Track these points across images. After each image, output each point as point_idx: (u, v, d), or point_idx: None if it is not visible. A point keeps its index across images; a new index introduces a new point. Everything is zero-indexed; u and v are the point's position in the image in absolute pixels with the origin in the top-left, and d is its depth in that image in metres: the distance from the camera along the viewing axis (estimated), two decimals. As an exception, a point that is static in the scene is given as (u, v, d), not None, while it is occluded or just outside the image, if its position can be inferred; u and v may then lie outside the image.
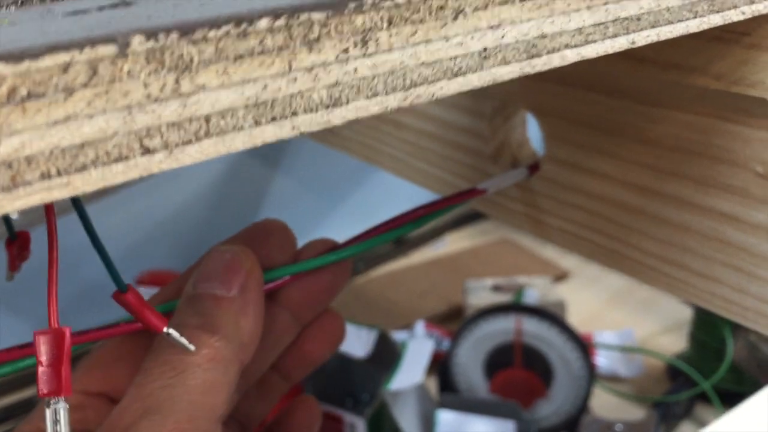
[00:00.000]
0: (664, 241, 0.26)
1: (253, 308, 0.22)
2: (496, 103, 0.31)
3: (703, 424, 0.53)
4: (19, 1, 0.14)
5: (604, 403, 0.54)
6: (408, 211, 0.26)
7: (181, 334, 0.19)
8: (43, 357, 0.15)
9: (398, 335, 0.59)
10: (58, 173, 0.11)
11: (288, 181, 0.77)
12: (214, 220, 0.74)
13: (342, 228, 0.81)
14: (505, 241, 0.79)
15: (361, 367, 0.50)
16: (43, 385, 0.15)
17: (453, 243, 0.80)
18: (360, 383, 0.50)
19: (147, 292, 0.21)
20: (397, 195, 0.79)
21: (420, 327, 0.62)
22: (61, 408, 0.15)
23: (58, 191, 0.12)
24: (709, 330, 0.53)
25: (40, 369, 0.15)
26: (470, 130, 0.32)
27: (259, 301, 0.22)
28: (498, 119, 0.31)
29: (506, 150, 0.31)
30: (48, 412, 0.16)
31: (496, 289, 0.62)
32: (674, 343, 0.60)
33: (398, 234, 0.26)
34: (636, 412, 0.53)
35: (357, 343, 0.52)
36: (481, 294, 0.62)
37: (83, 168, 0.12)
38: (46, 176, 0.11)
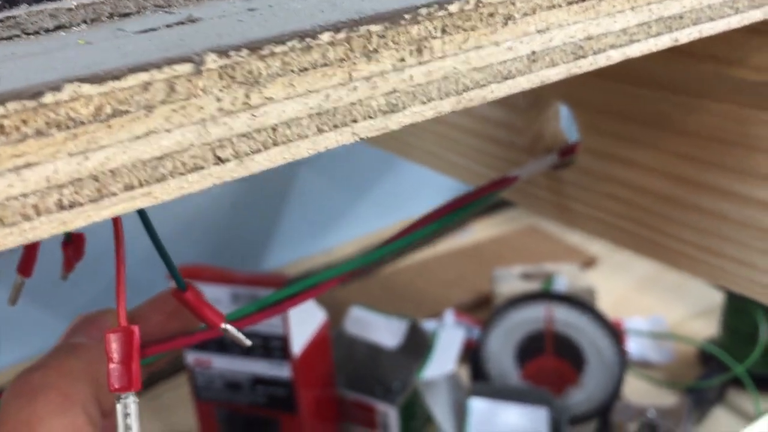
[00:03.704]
0: (701, 230, 0.26)
1: None
2: (530, 96, 0.31)
3: (736, 409, 0.53)
4: (90, 19, 0.15)
5: (636, 390, 0.54)
6: (446, 203, 0.27)
7: (31, 382, 0.19)
8: (114, 354, 0.16)
9: (427, 324, 0.60)
10: (140, 184, 0.12)
11: (313, 174, 0.78)
12: (242, 214, 0.75)
13: (367, 220, 0.82)
14: (531, 229, 0.79)
15: (392, 356, 0.51)
16: (114, 381, 0.16)
17: (478, 231, 0.80)
18: (391, 372, 0.51)
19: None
20: (422, 187, 0.79)
21: (449, 316, 0.62)
22: (131, 402, 0.16)
23: (141, 201, 0.12)
24: (741, 315, 0.53)
25: (111, 365, 0.16)
26: (505, 123, 0.32)
27: None
28: (532, 111, 0.31)
29: (540, 141, 0.32)
30: (119, 407, 0.16)
31: (525, 277, 0.63)
32: (704, 328, 0.60)
33: (439, 226, 0.27)
34: (668, 398, 0.53)
35: (387, 332, 0.53)
36: (510, 282, 0.62)
37: (162, 178, 0.12)
38: (129, 187, 0.12)
